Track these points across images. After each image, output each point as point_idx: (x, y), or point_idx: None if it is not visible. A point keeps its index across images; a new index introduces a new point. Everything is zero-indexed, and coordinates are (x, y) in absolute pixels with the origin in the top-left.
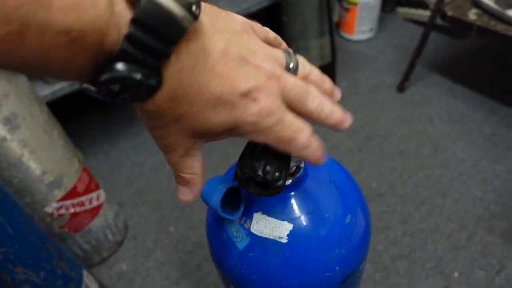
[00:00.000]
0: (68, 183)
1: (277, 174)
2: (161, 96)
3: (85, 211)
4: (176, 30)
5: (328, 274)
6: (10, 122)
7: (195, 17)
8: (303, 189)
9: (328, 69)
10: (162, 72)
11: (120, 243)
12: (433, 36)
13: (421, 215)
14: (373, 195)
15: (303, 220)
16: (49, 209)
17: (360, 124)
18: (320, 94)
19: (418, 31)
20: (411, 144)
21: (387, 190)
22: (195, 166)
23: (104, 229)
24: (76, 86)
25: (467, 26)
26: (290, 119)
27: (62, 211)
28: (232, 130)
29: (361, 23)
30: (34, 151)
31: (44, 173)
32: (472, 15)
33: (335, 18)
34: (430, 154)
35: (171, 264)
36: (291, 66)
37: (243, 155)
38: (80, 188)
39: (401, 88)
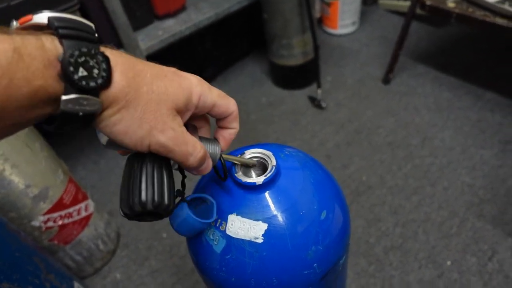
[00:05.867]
0: (54, 195)
1: (156, 199)
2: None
3: (74, 222)
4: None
5: (306, 272)
6: None
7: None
8: (276, 188)
9: (312, 65)
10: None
11: (113, 252)
12: (416, 26)
13: (411, 205)
14: (363, 188)
15: (278, 219)
16: (36, 223)
17: (348, 118)
18: None
19: (401, 22)
20: (399, 135)
21: (377, 182)
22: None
23: (95, 239)
24: None
25: (446, 14)
26: None
27: (50, 223)
28: None
29: (344, 17)
30: (16, 165)
31: (28, 186)
32: (451, 3)
33: (318, 13)
34: (419, 144)
35: (165, 270)
36: None
37: (120, 193)
38: (67, 199)
39: (386, 80)
